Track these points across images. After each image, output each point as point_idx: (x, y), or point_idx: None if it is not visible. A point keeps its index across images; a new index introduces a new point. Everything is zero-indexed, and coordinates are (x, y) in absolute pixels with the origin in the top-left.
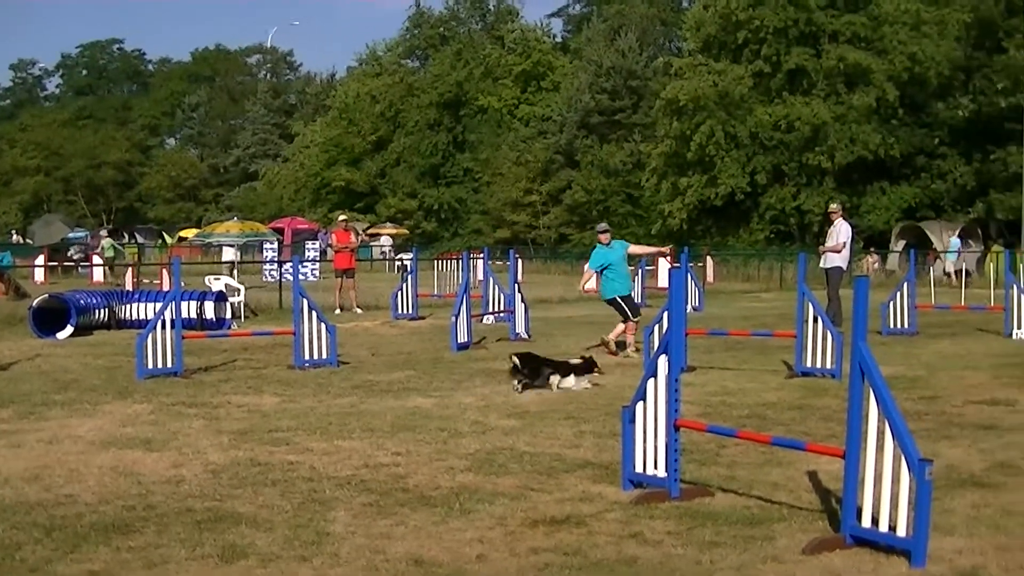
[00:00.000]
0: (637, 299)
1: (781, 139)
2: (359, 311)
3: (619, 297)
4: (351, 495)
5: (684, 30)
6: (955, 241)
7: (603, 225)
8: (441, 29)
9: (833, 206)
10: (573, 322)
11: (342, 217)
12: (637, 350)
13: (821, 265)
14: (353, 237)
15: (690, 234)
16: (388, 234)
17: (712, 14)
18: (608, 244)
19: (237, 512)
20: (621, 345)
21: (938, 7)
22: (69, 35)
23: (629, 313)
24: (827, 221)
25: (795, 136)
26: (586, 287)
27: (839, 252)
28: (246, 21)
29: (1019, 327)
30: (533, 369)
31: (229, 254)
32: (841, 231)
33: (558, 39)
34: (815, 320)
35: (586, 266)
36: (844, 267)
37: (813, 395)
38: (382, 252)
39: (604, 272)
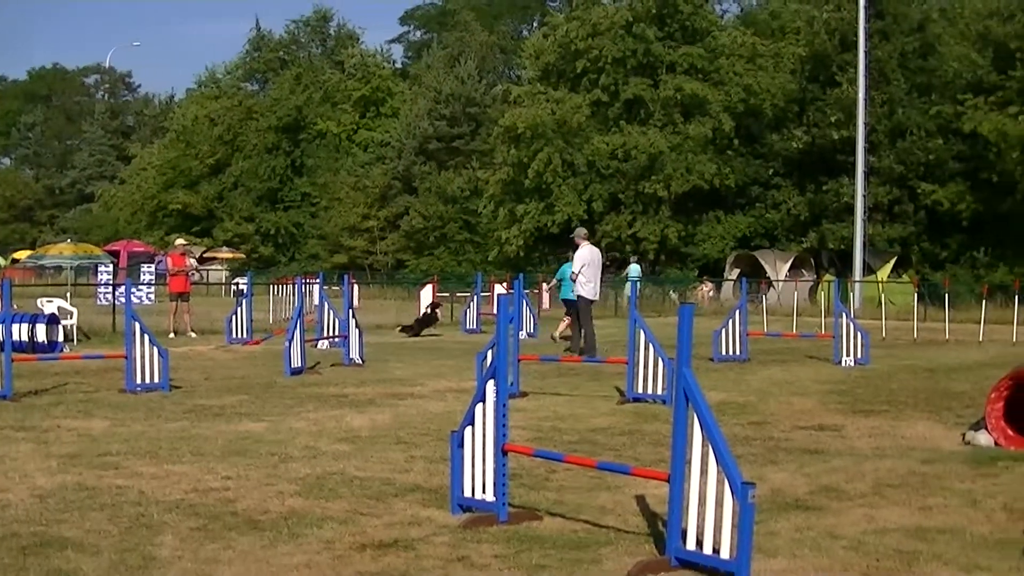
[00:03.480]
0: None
1: (618, 168)
2: (193, 335)
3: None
4: (179, 519)
5: (523, 58)
6: (635, 268)
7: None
8: (281, 53)
9: (576, 231)
10: (407, 348)
11: (179, 241)
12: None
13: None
14: (189, 261)
15: (527, 261)
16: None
17: (551, 43)
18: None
19: (63, 537)
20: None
21: (774, 40)
22: None
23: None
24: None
25: (632, 165)
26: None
27: (575, 280)
28: (85, 41)
29: (848, 354)
30: None
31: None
32: (576, 258)
33: (398, 65)
34: (647, 346)
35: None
36: (590, 296)
37: (644, 420)
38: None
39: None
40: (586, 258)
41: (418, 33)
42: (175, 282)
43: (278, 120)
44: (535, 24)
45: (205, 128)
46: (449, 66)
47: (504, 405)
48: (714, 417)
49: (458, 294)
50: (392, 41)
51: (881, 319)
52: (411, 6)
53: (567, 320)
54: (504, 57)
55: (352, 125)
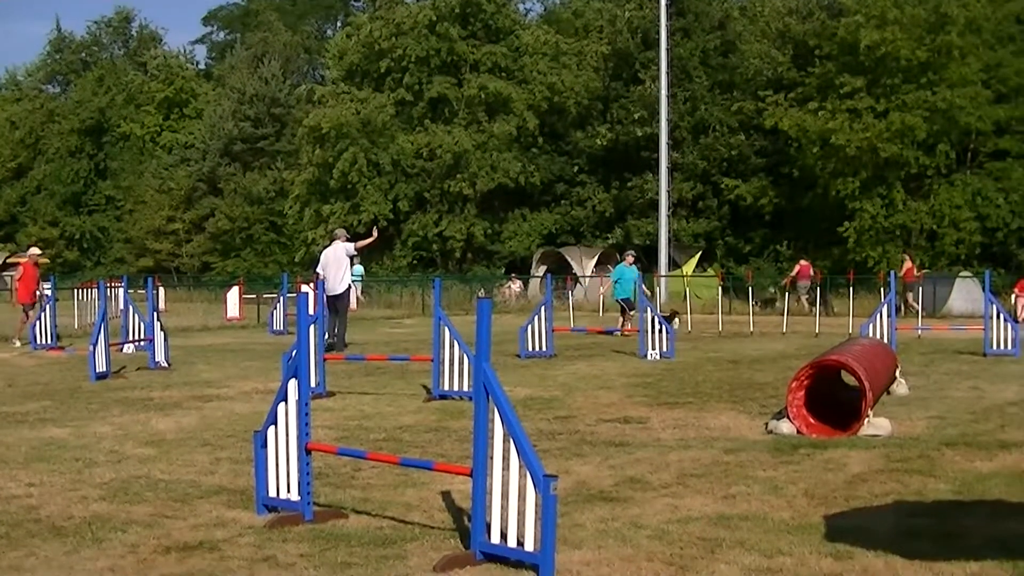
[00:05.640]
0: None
1: (423, 167)
2: (18, 343)
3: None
4: None
5: (327, 58)
6: (358, 268)
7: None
8: (83, 54)
9: (336, 231)
10: (213, 350)
11: (34, 250)
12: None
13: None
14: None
15: None
16: None
17: (355, 42)
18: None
19: None
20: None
21: (577, 39)
22: None
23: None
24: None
25: (437, 164)
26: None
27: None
28: None
29: (653, 348)
30: None
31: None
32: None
33: (201, 66)
34: (452, 344)
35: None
36: (328, 292)
37: (450, 417)
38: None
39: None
40: (327, 257)
41: (221, 34)
42: (27, 291)
43: (81, 123)
44: (339, 24)
45: (6, 131)
46: (253, 67)
47: (306, 404)
48: (514, 411)
49: (265, 296)
50: (195, 42)
51: (687, 313)
52: (214, 6)
53: (622, 319)
54: (308, 57)
55: (156, 127)
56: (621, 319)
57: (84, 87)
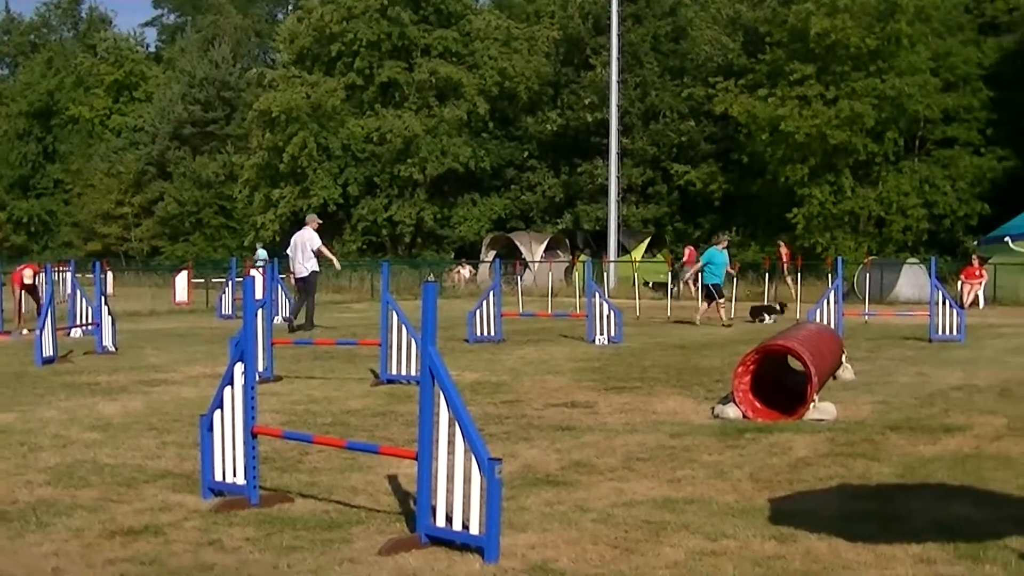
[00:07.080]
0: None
1: (373, 151)
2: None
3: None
4: None
5: (278, 42)
6: (262, 253)
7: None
8: (31, 36)
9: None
10: (162, 335)
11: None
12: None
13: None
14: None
15: (283, 245)
16: None
17: (306, 26)
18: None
19: None
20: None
21: (529, 24)
22: None
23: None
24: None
25: (387, 148)
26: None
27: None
28: None
29: (601, 333)
30: None
31: None
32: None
33: (151, 49)
34: (400, 328)
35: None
36: (297, 274)
37: (398, 401)
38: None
39: (707, 266)
40: (294, 241)
41: (172, 16)
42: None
43: (29, 105)
44: (290, 7)
45: None
46: (203, 50)
47: (252, 387)
48: (460, 395)
49: (213, 280)
50: (145, 24)
51: (635, 298)
52: None
53: (704, 306)
54: (259, 41)
55: (105, 110)
56: (705, 305)
57: (32, 69)
